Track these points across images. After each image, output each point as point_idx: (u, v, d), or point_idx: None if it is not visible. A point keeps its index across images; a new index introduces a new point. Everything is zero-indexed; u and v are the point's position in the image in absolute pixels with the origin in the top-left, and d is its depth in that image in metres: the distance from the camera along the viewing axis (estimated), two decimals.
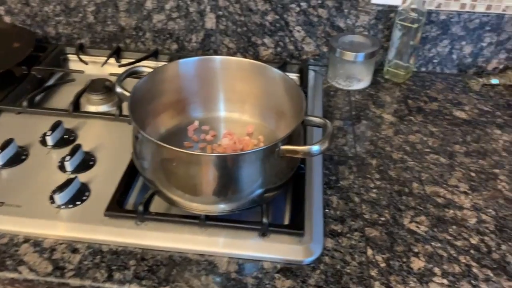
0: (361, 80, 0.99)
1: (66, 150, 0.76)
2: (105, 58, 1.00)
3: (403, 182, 0.76)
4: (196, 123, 0.79)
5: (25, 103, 0.85)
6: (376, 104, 0.95)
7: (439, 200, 0.73)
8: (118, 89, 0.69)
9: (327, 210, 0.70)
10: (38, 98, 0.92)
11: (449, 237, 0.67)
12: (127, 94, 0.67)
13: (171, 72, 0.73)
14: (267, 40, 1.06)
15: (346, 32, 1.02)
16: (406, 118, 0.91)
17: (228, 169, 0.59)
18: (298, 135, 0.65)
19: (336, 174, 0.77)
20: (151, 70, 0.72)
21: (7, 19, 1.09)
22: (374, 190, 0.74)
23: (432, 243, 0.66)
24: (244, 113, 0.80)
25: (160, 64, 1.02)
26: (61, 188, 0.68)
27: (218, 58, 0.75)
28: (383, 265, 0.62)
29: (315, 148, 0.59)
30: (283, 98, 0.73)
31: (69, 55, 1.05)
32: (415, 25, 0.94)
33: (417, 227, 0.68)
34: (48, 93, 0.94)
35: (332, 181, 0.76)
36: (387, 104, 0.95)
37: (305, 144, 0.77)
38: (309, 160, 0.77)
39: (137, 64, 0.71)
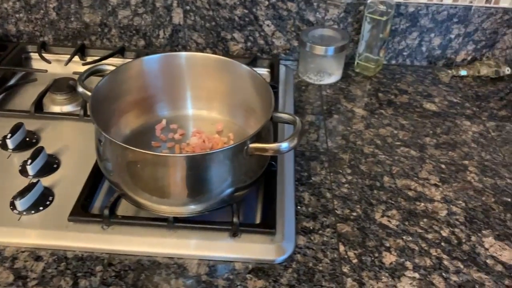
0: (332, 74, 0.99)
1: (28, 153, 0.73)
2: (69, 56, 0.97)
3: (374, 176, 0.76)
4: (164, 121, 0.76)
5: None
6: (347, 98, 0.95)
7: (410, 193, 0.73)
8: (80, 89, 0.66)
9: (299, 207, 0.70)
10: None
11: (420, 230, 0.67)
12: (89, 94, 0.65)
13: (135, 70, 0.71)
14: (236, 35, 1.04)
15: (316, 25, 1.01)
16: (376, 111, 0.91)
17: (196, 169, 0.57)
18: (268, 132, 0.64)
19: (308, 170, 0.76)
20: (114, 68, 0.70)
21: None
22: (346, 185, 0.74)
23: (404, 237, 0.66)
24: (213, 110, 0.78)
25: (127, 61, 1.00)
26: (22, 193, 0.65)
27: (183, 54, 0.73)
28: (355, 261, 0.62)
29: (284, 145, 0.58)
30: (252, 95, 0.72)
31: (31, 54, 1.01)
32: (384, 18, 0.94)
33: (389, 221, 0.68)
34: (10, 94, 0.90)
35: (304, 177, 0.75)
36: (358, 98, 0.95)
37: (276, 140, 0.75)
38: (281, 157, 0.76)
39: (100, 62, 0.68)
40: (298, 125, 0.60)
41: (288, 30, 1.03)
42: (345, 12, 1.00)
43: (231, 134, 0.75)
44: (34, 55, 1.00)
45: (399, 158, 0.80)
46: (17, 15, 1.04)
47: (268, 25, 1.02)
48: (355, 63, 1.03)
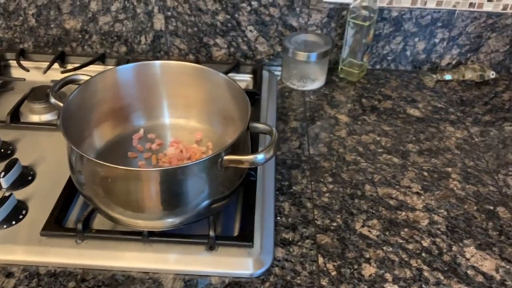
0: (315, 80, 0.98)
1: (2, 165, 0.71)
2: (48, 64, 0.95)
3: (356, 185, 0.75)
4: (141, 131, 0.75)
5: None
6: (331, 104, 0.94)
7: (392, 202, 0.72)
8: (52, 100, 0.65)
9: (278, 218, 0.68)
10: None
11: (401, 241, 0.66)
12: (61, 105, 0.63)
13: (110, 79, 0.70)
14: (219, 41, 1.03)
15: (299, 31, 1.00)
16: (360, 118, 0.90)
17: (170, 183, 0.56)
18: (244, 143, 0.63)
19: (289, 179, 0.75)
20: (88, 78, 0.68)
21: None
22: (327, 194, 0.73)
23: (384, 248, 0.65)
24: (191, 118, 0.77)
25: (107, 68, 0.99)
26: None
27: (157, 63, 0.72)
28: (334, 273, 0.61)
29: (260, 157, 0.57)
30: (230, 103, 0.71)
31: (10, 61, 1.00)
32: (367, 23, 0.93)
33: (369, 231, 0.67)
34: None
35: (285, 187, 0.74)
36: (342, 104, 0.94)
37: (255, 150, 0.74)
38: (262, 166, 0.75)
39: (74, 72, 0.67)
40: (274, 136, 0.59)
41: (271, 36, 1.02)
42: (328, 17, 0.99)
43: (210, 144, 0.74)
44: (13, 63, 0.99)
45: (381, 165, 0.79)
46: None
47: (251, 31, 1.01)
48: (339, 68, 1.02)
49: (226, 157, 0.57)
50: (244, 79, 0.99)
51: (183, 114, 0.77)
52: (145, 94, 0.74)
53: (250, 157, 0.56)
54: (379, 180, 0.76)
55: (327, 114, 0.91)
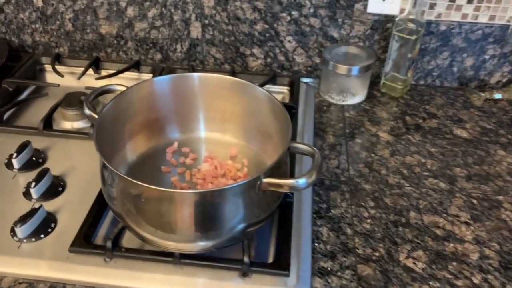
0: (355, 95, 0.93)
1: (34, 173, 0.69)
2: (83, 70, 0.94)
3: (400, 211, 0.70)
4: (176, 144, 0.72)
5: None
6: (372, 120, 0.89)
7: (438, 232, 0.67)
8: (87, 111, 0.63)
9: (316, 244, 0.64)
10: (8, 113, 0.85)
11: (448, 276, 0.61)
12: (96, 116, 0.61)
13: (146, 91, 0.67)
14: (256, 51, 1.00)
15: (340, 43, 0.96)
16: (403, 137, 0.85)
17: (204, 206, 0.53)
18: (283, 164, 0.59)
19: (327, 201, 0.71)
20: (124, 88, 0.66)
21: None
22: (368, 220, 0.68)
23: (430, 283, 0.60)
24: (227, 133, 0.73)
25: (143, 76, 0.97)
26: (24, 219, 0.62)
27: (195, 75, 0.69)
28: None
29: (302, 181, 0.53)
30: (268, 119, 0.67)
31: (46, 65, 0.99)
32: (414, 37, 0.88)
33: (414, 263, 0.62)
34: (20, 108, 0.88)
35: (323, 210, 0.70)
36: (384, 121, 0.89)
37: (293, 172, 0.70)
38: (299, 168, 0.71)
39: (109, 84, 0.64)
40: (317, 159, 0.55)
41: (310, 47, 0.98)
42: (372, 29, 0.94)
43: (245, 160, 0.71)
44: (48, 67, 0.98)
45: (427, 190, 0.74)
46: (33, 26, 1.01)
47: (289, 41, 0.97)
48: (381, 82, 0.97)
49: (265, 180, 0.53)
50: (281, 91, 0.95)
51: (218, 128, 0.73)
52: (181, 107, 0.71)
53: (291, 181, 0.53)
54: (425, 207, 0.71)
55: (368, 131, 0.86)
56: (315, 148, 0.57)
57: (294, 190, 0.53)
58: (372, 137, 0.85)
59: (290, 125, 0.59)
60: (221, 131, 0.74)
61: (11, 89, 0.88)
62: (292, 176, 0.67)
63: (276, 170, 0.55)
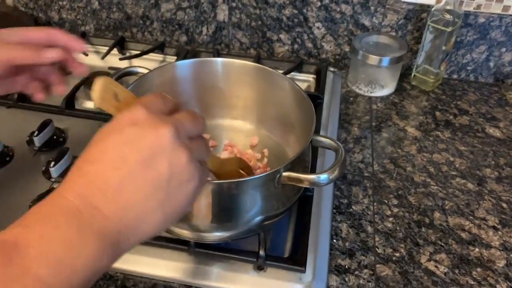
0: (384, 86, 0.90)
1: (55, 153, 0.69)
2: (107, 49, 0.93)
3: (424, 211, 0.67)
4: None
5: (15, 97, 0.79)
6: (400, 114, 0.86)
7: (464, 235, 0.64)
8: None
9: (334, 241, 0.62)
10: None
11: (472, 282, 0.58)
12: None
13: (167, 75, 0.66)
14: (283, 36, 0.97)
15: (371, 31, 0.92)
16: (432, 133, 0.82)
17: (221, 197, 0.51)
18: (305, 157, 0.57)
19: (349, 196, 0.69)
20: (146, 71, 0.64)
21: (10, 1, 1.03)
22: (391, 219, 0.66)
23: None
24: (248, 121, 0.72)
25: (168, 57, 0.95)
26: (40, 198, 0.62)
27: (219, 60, 0.67)
28: None
29: (323, 177, 0.51)
30: (292, 109, 0.65)
31: None
32: (449, 29, 0.83)
33: (436, 267, 0.60)
34: None
35: (344, 205, 0.67)
36: (412, 115, 0.86)
37: (314, 166, 0.67)
38: (319, 169, 0.69)
39: (131, 64, 0.64)
40: (341, 154, 0.53)
41: (340, 34, 0.94)
42: (405, 19, 0.90)
43: (266, 150, 0.69)
44: None
45: (454, 191, 0.71)
46: (60, 3, 1.01)
47: (318, 28, 0.94)
48: (412, 75, 0.93)
49: (284, 174, 0.51)
50: (306, 79, 0.92)
51: (240, 115, 0.72)
52: (203, 92, 0.69)
53: (312, 176, 0.51)
54: (451, 208, 0.68)
55: (396, 125, 0.83)
56: (339, 143, 0.55)
57: (315, 185, 0.51)
58: (399, 132, 0.82)
59: (314, 117, 0.57)
60: (243, 119, 0.72)
61: None
62: (313, 170, 0.65)
63: (297, 163, 0.53)
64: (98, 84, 0.38)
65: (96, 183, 0.35)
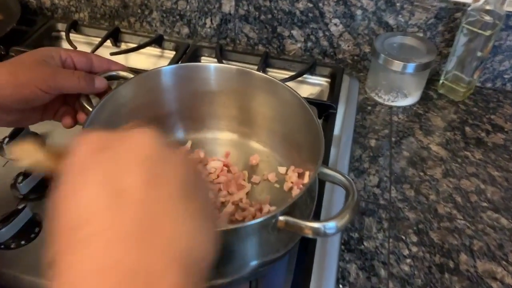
0: (408, 95, 0.79)
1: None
2: (99, 41, 0.83)
3: (448, 252, 0.57)
4: (189, 144, 0.62)
5: None
6: (424, 129, 0.75)
7: (495, 285, 0.54)
8: (83, 101, 0.53)
9: (340, 286, 0.53)
10: None
11: None
12: (91, 109, 0.51)
13: (154, 82, 0.56)
14: (296, 32, 0.86)
15: (396, 31, 0.81)
16: (460, 153, 0.71)
17: None
18: (310, 194, 0.47)
19: (361, 230, 0.59)
20: (129, 75, 0.55)
21: None
22: (408, 261, 0.56)
23: None
24: (248, 137, 0.62)
25: (166, 52, 0.86)
26: (4, 221, 0.53)
27: (212, 66, 0.57)
28: None
29: (330, 226, 0.41)
30: (299, 127, 0.55)
31: (62, 33, 0.89)
32: (488, 32, 0.72)
33: None
34: None
35: (354, 241, 0.58)
36: (438, 130, 0.75)
37: (319, 200, 0.57)
38: (326, 204, 0.59)
39: (108, 70, 0.54)
40: (353, 196, 0.43)
41: (359, 33, 0.83)
42: (436, 18, 0.78)
43: (266, 174, 0.59)
44: (65, 35, 0.88)
45: (484, 227, 0.61)
46: None
47: (335, 24, 0.83)
48: (440, 82, 0.82)
49: (281, 218, 0.42)
50: (320, 83, 0.82)
51: (237, 129, 0.62)
52: (192, 101, 0.60)
53: (315, 225, 0.41)
54: (480, 249, 0.58)
55: (419, 142, 0.73)
56: (351, 180, 0.45)
57: (319, 236, 0.42)
58: (422, 151, 0.71)
59: (323, 147, 0.47)
60: (243, 134, 0.63)
61: None
62: (319, 205, 0.56)
63: (299, 205, 0.44)
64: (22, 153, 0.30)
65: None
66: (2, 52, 0.80)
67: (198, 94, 0.59)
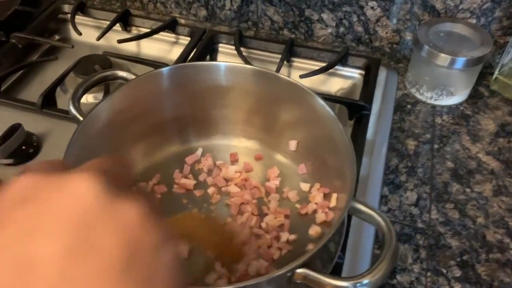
0: (454, 93, 0.68)
1: (23, 167, 0.55)
2: (106, 26, 0.75)
3: None
4: (199, 151, 0.54)
5: None
6: (472, 133, 0.65)
7: None
8: (72, 110, 0.45)
9: None
10: (13, 79, 0.70)
11: None
12: (81, 118, 0.44)
13: (152, 86, 0.48)
14: (326, 16, 0.76)
15: (444, 17, 0.70)
16: None
17: None
18: (334, 242, 0.39)
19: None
20: (130, 76, 0.47)
21: None
22: None
23: None
24: (264, 144, 0.54)
25: (180, 38, 0.77)
26: None
27: (222, 64, 0.49)
28: None
29: (364, 283, 0.33)
30: (327, 144, 0.47)
31: (69, 16, 0.82)
32: None
33: None
34: (30, 72, 0.72)
35: None
36: (489, 136, 0.65)
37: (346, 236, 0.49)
38: (355, 232, 0.51)
39: (107, 70, 0.46)
40: (391, 242, 0.35)
41: (400, 18, 0.72)
42: (493, 2, 0.67)
43: (287, 190, 0.51)
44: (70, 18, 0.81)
45: None
46: None
47: (372, 8, 0.73)
48: (493, 77, 0.71)
49: (299, 271, 0.34)
50: (352, 75, 0.72)
51: (254, 136, 0.54)
52: (202, 104, 0.52)
53: (343, 284, 0.33)
54: None
55: (466, 150, 0.63)
56: (389, 222, 0.36)
57: None
58: (469, 161, 0.61)
59: (355, 175, 0.38)
60: (257, 140, 0.54)
61: (20, 46, 0.73)
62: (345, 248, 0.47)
63: (321, 251, 0.36)
64: None
65: None
66: (3, 38, 0.73)
67: (205, 96, 0.51)
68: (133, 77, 0.48)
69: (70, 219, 0.20)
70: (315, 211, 0.49)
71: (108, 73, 0.48)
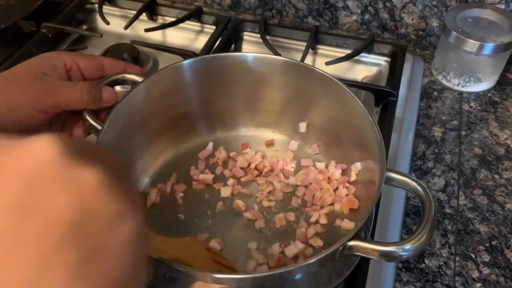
0: (482, 80, 0.68)
1: None
2: (133, 15, 0.77)
3: None
4: (210, 145, 0.55)
5: None
6: (501, 121, 0.64)
7: None
8: (88, 118, 0.45)
9: None
10: None
11: None
12: (99, 127, 0.44)
13: (170, 80, 0.49)
14: (351, 3, 0.76)
15: (472, 3, 0.69)
16: None
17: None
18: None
19: None
20: (139, 79, 0.48)
21: None
22: (478, 285, 0.48)
23: None
24: (291, 135, 0.55)
25: (206, 27, 0.78)
26: None
27: (250, 55, 0.49)
28: None
29: (407, 248, 0.34)
30: (341, 120, 0.48)
31: (96, 5, 0.83)
32: None
33: None
34: None
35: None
36: None
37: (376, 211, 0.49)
38: (382, 217, 0.51)
39: (117, 73, 0.47)
40: (430, 208, 0.36)
41: (427, 4, 0.72)
42: None
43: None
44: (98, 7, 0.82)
45: None
46: None
47: None
48: None
49: (350, 244, 0.35)
50: (378, 62, 0.72)
51: (264, 123, 0.55)
52: (220, 96, 0.52)
53: (389, 249, 0.35)
54: None
55: (494, 137, 0.62)
56: (424, 185, 0.38)
57: (390, 260, 0.35)
58: (497, 147, 0.61)
59: (382, 143, 0.39)
60: (283, 131, 0.55)
61: (50, 35, 0.75)
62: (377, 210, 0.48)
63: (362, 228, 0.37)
64: None
65: None
66: (33, 29, 0.75)
67: (225, 88, 0.51)
68: (141, 79, 0.48)
69: (20, 174, 0.20)
70: (336, 188, 0.50)
71: (118, 76, 0.48)
